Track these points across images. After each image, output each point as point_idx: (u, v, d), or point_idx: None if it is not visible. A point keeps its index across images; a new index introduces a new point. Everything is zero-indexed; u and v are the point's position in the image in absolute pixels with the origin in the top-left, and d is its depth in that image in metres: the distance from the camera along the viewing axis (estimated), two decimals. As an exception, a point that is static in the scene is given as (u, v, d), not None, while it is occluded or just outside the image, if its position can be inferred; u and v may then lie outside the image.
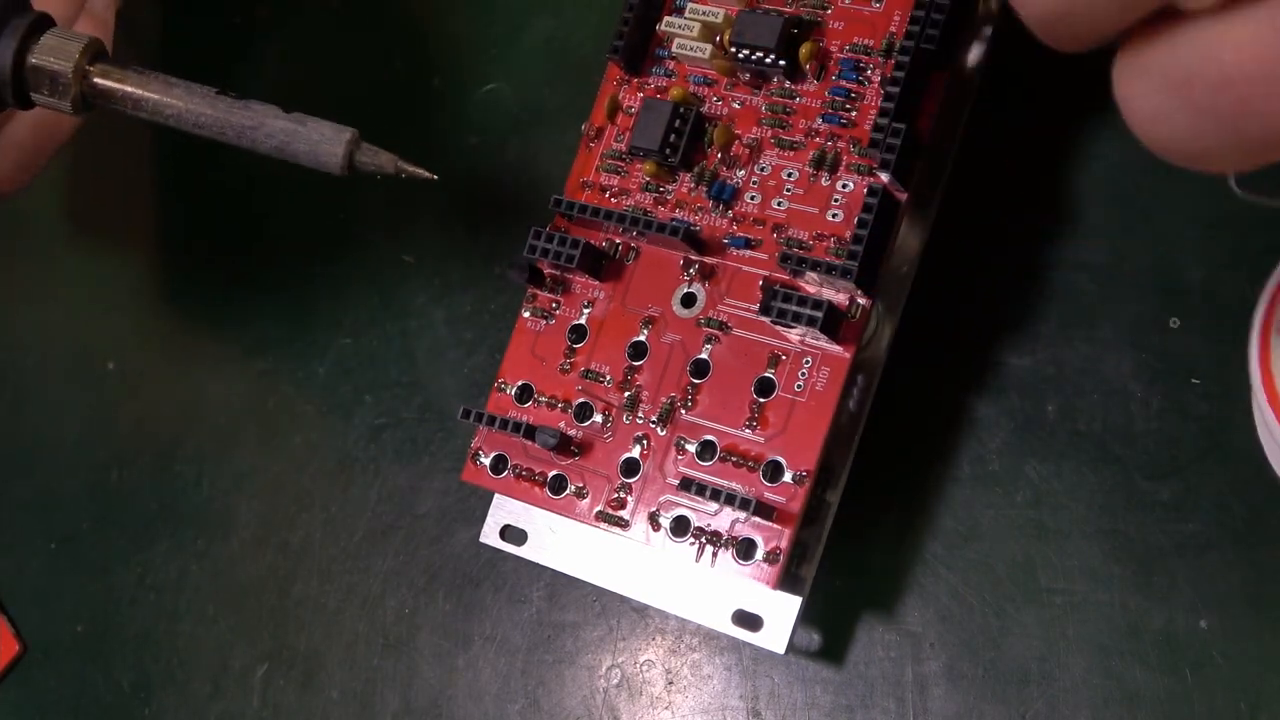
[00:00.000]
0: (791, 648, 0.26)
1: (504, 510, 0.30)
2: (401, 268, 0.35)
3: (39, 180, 0.43)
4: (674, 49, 0.29)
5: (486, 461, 0.29)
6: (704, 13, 0.29)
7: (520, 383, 0.30)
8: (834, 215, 0.28)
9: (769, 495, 0.26)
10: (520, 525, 0.30)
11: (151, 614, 0.36)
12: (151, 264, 0.40)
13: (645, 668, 0.30)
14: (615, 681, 0.30)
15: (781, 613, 0.26)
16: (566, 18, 0.35)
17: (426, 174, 0.29)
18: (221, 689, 0.34)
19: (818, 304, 0.26)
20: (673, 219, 0.29)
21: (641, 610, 0.30)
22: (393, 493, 0.34)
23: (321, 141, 0.29)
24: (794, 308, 0.26)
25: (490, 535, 0.30)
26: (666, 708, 0.29)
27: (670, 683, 0.29)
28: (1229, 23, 0.17)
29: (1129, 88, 0.19)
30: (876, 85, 0.28)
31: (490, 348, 0.33)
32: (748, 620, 0.27)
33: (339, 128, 0.29)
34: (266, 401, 0.36)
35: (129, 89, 0.30)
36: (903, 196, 0.27)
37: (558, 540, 0.29)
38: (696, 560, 0.27)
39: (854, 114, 0.28)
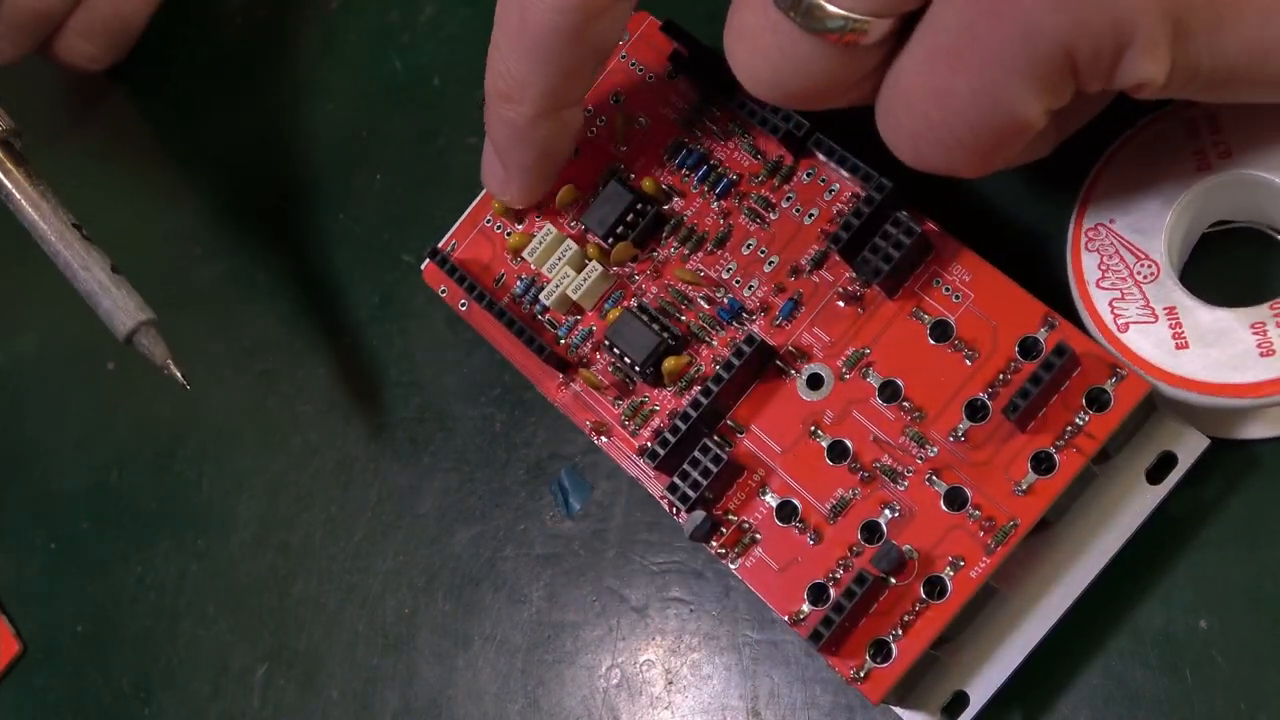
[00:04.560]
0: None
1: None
2: (401, 268, 0.35)
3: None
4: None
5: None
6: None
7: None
8: (808, 218, 0.28)
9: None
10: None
11: (151, 614, 0.36)
12: (151, 264, 0.40)
13: (645, 668, 0.30)
14: (615, 681, 0.30)
15: None
16: (566, 18, 0.35)
17: (183, 382, 0.32)
18: (221, 689, 0.34)
19: (899, 238, 0.26)
20: (732, 352, 0.27)
21: (641, 610, 0.30)
22: (393, 493, 0.34)
23: (115, 312, 0.33)
24: (880, 244, 0.26)
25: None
26: (666, 708, 0.29)
27: (670, 683, 0.29)
28: (898, 64, 0.22)
29: (878, 122, 0.23)
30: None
31: (490, 348, 0.33)
32: None
33: (140, 309, 0.32)
34: (266, 401, 0.36)
35: (4, 181, 0.34)
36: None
37: None
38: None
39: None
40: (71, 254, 0.33)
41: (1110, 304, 0.25)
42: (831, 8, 0.21)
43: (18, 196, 0.33)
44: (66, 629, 0.37)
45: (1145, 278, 0.25)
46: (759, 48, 0.22)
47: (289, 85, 0.40)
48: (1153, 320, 0.25)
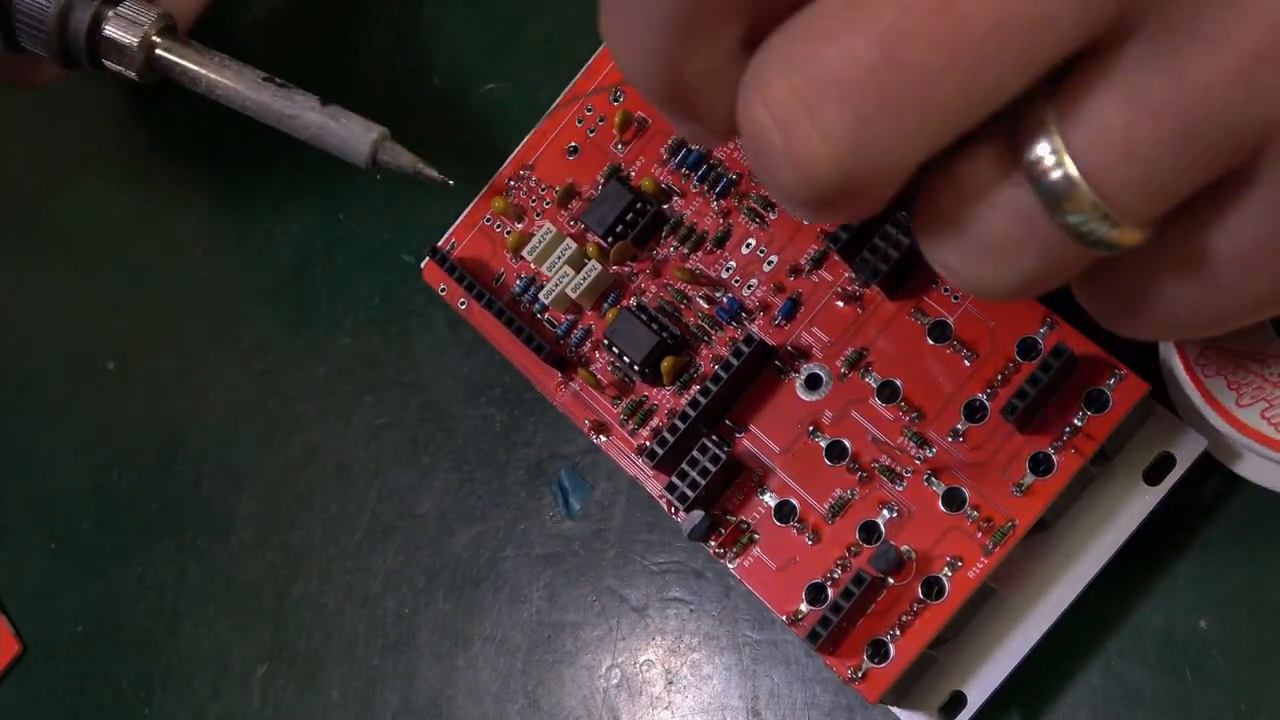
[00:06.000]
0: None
1: None
2: (401, 268, 0.35)
3: (40, 180, 0.43)
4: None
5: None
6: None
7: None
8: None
9: None
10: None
11: (151, 614, 0.36)
12: (151, 264, 0.40)
13: (645, 668, 0.30)
14: (615, 681, 0.30)
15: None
16: (566, 18, 0.35)
17: (441, 178, 0.31)
18: (221, 689, 0.34)
19: (899, 239, 0.25)
20: (731, 352, 0.27)
21: (641, 610, 0.30)
22: (393, 493, 0.34)
23: (349, 139, 0.32)
24: (879, 244, 0.26)
25: None
26: (666, 708, 0.29)
27: (670, 683, 0.29)
28: (1186, 271, 0.18)
29: (1103, 310, 0.20)
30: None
31: (490, 348, 0.33)
32: None
33: (368, 126, 0.32)
34: (266, 401, 0.36)
35: (187, 65, 0.33)
36: None
37: None
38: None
39: None
40: (279, 107, 0.32)
41: (1264, 417, 0.23)
42: (1114, 219, 0.17)
43: (204, 74, 0.33)
44: (66, 629, 0.37)
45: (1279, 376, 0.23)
46: (1013, 260, 0.18)
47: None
48: None
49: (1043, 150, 0.17)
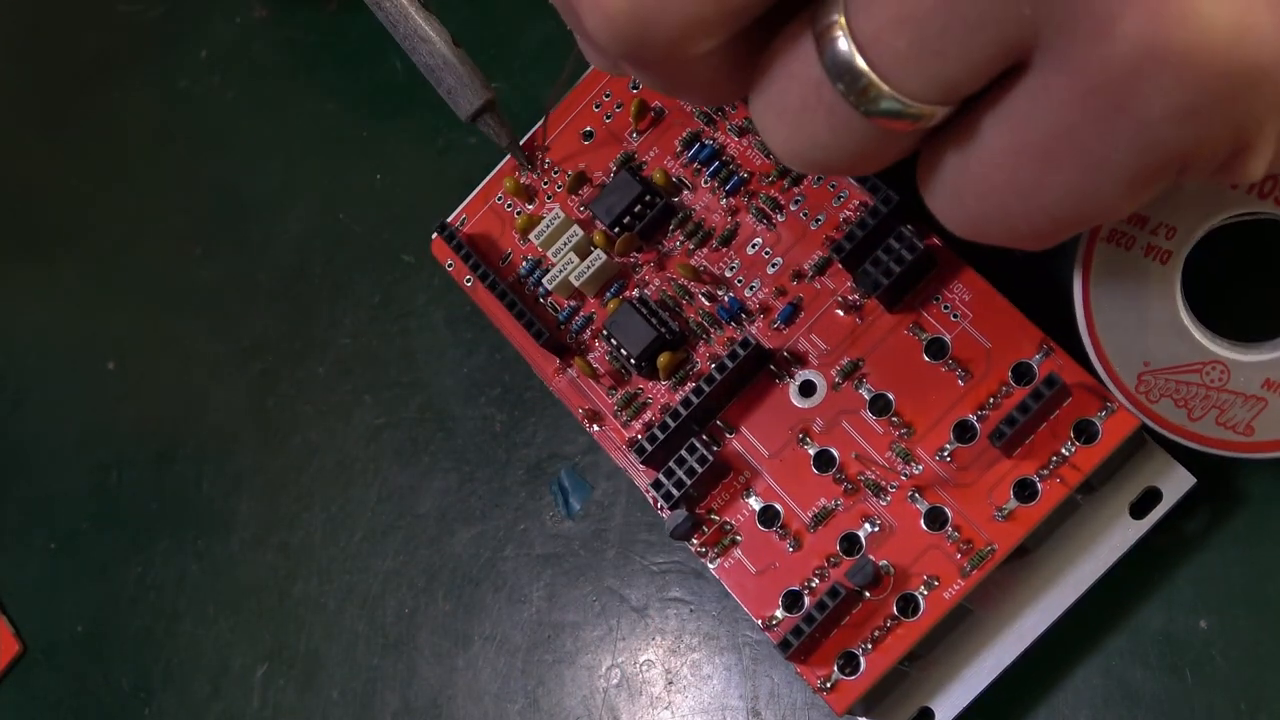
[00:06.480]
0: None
1: None
2: (401, 268, 0.35)
3: (39, 179, 0.43)
4: None
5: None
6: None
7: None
8: (815, 223, 0.28)
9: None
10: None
11: (151, 614, 0.36)
12: (151, 264, 0.40)
13: (645, 668, 0.30)
14: (615, 681, 0.30)
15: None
16: (566, 18, 0.35)
17: (527, 164, 0.31)
18: (221, 689, 0.34)
19: (901, 253, 0.25)
20: (728, 353, 0.27)
21: (641, 610, 0.30)
22: (393, 493, 0.34)
23: (465, 88, 0.31)
24: (882, 257, 0.25)
25: None
26: (666, 708, 0.29)
27: (670, 683, 0.29)
28: (968, 149, 0.19)
29: (926, 196, 0.21)
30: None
31: (490, 347, 0.33)
32: None
33: (485, 85, 0.31)
34: (266, 401, 0.36)
35: None
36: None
37: None
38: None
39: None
40: (419, 22, 0.30)
41: (1219, 423, 0.24)
42: (890, 91, 0.18)
43: None
44: (66, 629, 0.37)
45: (1221, 380, 0.23)
46: (805, 127, 0.20)
47: (289, 85, 0.40)
48: (1264, 405, 0.23)
49: (828, 19, 0.18)
